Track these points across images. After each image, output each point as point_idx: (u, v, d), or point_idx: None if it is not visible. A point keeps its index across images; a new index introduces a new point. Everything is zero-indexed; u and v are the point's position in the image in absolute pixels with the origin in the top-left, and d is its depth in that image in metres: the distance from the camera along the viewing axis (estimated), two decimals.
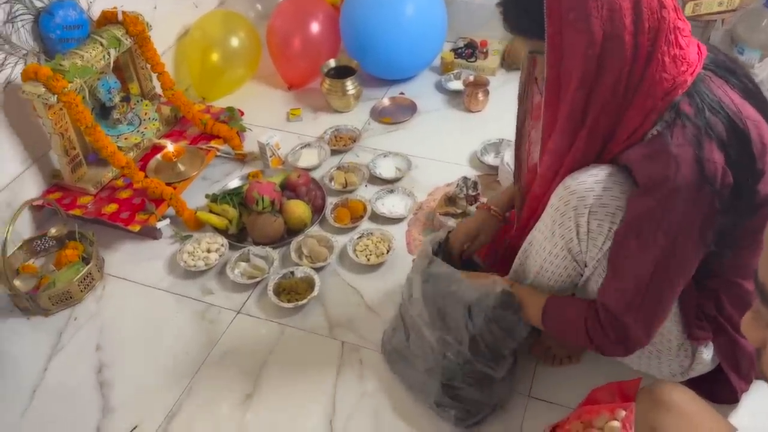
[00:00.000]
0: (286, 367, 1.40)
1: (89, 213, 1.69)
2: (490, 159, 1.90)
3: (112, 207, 1.73)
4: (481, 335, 1.10)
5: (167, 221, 1.74)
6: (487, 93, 1.99)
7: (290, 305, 1.49)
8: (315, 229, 1.73)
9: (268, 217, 1.66)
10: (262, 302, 1.56)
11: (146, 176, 1.76)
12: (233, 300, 1.58)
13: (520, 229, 1.16)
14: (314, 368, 1.39)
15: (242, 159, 2.06)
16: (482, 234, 1.27)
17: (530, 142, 1.11)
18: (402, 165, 1.96)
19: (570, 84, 0.88)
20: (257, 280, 1.58)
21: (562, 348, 1.25)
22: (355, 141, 2.06)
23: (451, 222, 1.66)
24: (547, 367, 1.25)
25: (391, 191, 1.83)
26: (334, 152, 2.02)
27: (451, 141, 2.04)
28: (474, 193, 1.67)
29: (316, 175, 1.94)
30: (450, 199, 1.70)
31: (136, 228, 1.67)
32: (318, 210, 1.80)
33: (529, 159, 1.11)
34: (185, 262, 1.64)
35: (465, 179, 1.67)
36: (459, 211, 1.67)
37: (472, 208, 1.64)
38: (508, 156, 1.67)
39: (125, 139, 1.79)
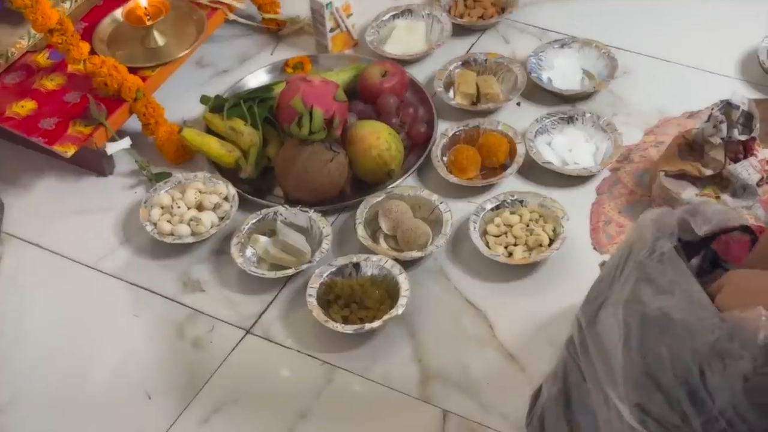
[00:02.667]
0: None
1: None
2: None
3: (27, 106, 1.81)
4: (731, 423, 1.10)
5: (126, 143, 1.81)
6: None
7: (350, 329, 1.54)
8: (409, 184, 1.77)
9: (318, 153, 1.70)
10: (294, 317, 1.61)
11: (94, 51, 1.83)
12: (241, 308, 1.64)
13: None
14: None
15: (276, 30, 2.10)
16: None
17: None
18: (596, 67, 1.95)
19: None
20: (288, 273, 1.63)
21: None
22: (504, 10, 2.07)
23: (689, 193, 1.64)
24: None
25: (570, 119, 1.84)
26: (459, 30, 2.05)
27: (704, 23, 2.04)
28: (745, 137, 1.63)
29: (418, 74, 1.97)
30: (691, 146, 1.67)
31: (69, 150, 1.74)
32: (417, 145, 1.83)
33: None
34: (155, 225, 1.71)
35: (728, 106, 1.64)
36: (708, 171, 1.64)
37: (745, 172, 1.61)
38: None
39: None
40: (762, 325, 1.08)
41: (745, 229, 1.28)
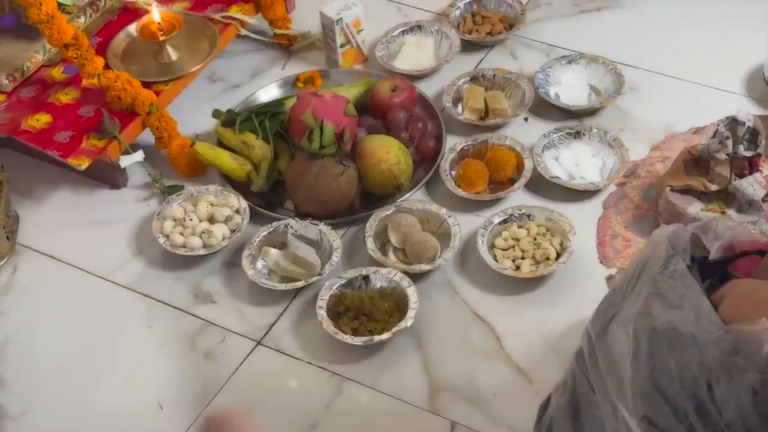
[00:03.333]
0: None
1: None
2: None
3: (42, 119, 1.83)
4: None
5: (140, 156, 1.82)
6: None
7: (359, 340, 1.55)
8: (418, 198, 1.79)
9: (328, 166, 1.72)
10: (304, 329, 1.63)
11: (108, 66, 1.85)
12: (252, 319, 1.66)
13: None
14: None
15: (287, 46, 2.13)
16: None
17: None
18: (603, 83, 1.97)
19: None
20: (299, 285, 1.65)
21: None
22: (511, 26, 2.09)
23: (695, 208, 1.65)
24: None
25: (577, 135, 1.85)
26: (467, 46, 2.07)
27: (710, 40, 2.05)
28: (751, 153, 1.64)
29: (427, 89, 1.98)
30: (697, 161, 1.68)
31: (83, 163, 1.76)
32: (426, 159, 1.85)
33: None
34: (167, 237, 1.73)
35: (733, 122, 1.64)
36: (714, 186, 1.65)
37: (750, 188, 1.62)
38: None
39: None
40: (767, 338, 1.09)
41: (763, 253, 1.29)
